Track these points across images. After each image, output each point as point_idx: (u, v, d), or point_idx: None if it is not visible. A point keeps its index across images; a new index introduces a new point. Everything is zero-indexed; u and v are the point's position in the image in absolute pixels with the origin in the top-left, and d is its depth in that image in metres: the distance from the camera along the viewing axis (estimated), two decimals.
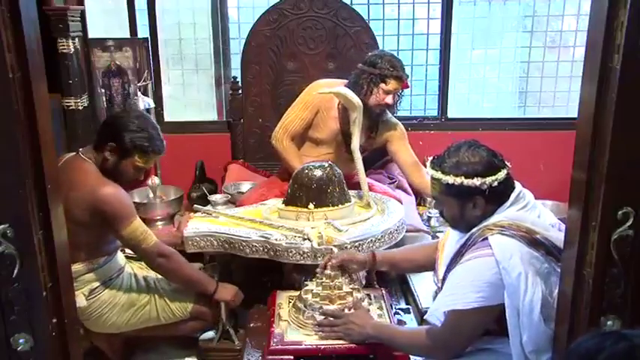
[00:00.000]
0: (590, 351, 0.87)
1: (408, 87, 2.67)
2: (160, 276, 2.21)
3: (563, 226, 1.65)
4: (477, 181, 1.58)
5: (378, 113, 2.67)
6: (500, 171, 1.61)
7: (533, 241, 1.55)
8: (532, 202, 1.67)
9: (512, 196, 1.63)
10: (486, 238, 1.58)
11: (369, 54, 2.71)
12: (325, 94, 2.60)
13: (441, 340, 1.64)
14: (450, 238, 1.81)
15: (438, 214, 1.88)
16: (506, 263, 1.51)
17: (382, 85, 2.58)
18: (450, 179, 1.60)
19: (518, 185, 1.68)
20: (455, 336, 1.62)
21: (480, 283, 1.53)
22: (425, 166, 2.50)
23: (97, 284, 2.08)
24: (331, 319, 1.89)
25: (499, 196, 1.62)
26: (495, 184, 1.59)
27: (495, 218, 1.61)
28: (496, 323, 1.59)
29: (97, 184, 1.99)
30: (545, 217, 1.67)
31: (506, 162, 1.65)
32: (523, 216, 1.61)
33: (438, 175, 1.63)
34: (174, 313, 2.21)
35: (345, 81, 2.72)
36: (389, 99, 2.60)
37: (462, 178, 1.58)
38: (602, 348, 0.86)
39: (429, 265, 1.96)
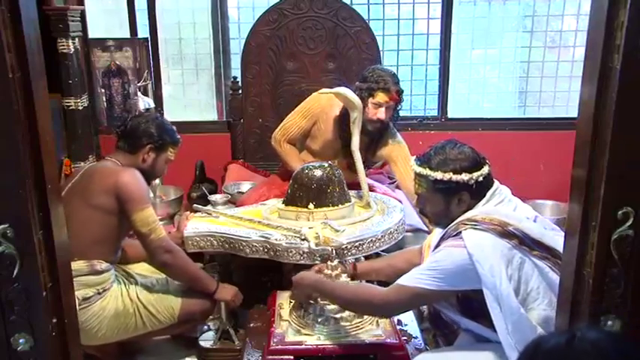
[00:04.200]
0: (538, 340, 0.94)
1: (397, 100, 2.55)
2: (140, 287, 2.18)
3: (539, 218, 1.72)
4: (464, 177, 1.65)
5: (374, 130, 2.59)
6: (483, 167, 1.69)
7: (505, 232, 1.60)
8: (508, 197, 1.74)
9: (489, 192, 1.70)
10: (459, 232, 1.63)
11: (365, 70, 2.66)
12: (323, 94, 2.60)
13: (386, 300, 1.70)
14: (435, 237, 1.85)
15: (419, 211, 1.93)
16: (479, 256, 1.56)
17: (371, 99, 2.51)
18: (438, 175, 1.67)
19: (495, 182, 1.74)
20: (402, 305, 1.71)
21: (447, 268, 1.59)
22: None
23: (91, 293, 2.04)
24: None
25: (483, 191, 1.69)
26: (481, 179, 1.67)
27: (470, 213, 1.67)
28: (486, 319, 1.61)
29: (119, 170, 2.11)
30: (521, 210, 1.73)
31: (486, 159, 1.72)
32: (497, 210, 1.67)
33: (426, 171, 1.69)
34: (160, 321, 2.17)
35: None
36: (380, 113, 2.52)
37: (451, 174, 1.66)
38: (549, 338, 0.92)
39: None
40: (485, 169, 1.68)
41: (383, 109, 2.53)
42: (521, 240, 1.60)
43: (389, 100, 2.53)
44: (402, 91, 2.58)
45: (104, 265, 2.08)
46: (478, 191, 1.68)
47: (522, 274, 1.58)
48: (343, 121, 2.56)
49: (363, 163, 2.54)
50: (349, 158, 2.56)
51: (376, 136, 2.65)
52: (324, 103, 2.66)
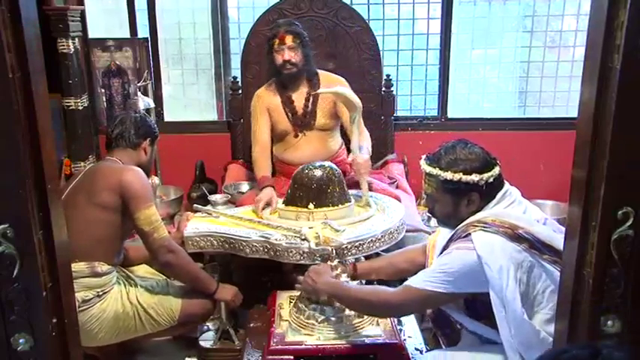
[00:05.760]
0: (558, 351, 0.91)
1: (283, 38, 2.69)
2: (141, 290, 2.17)
3: (549, 221, 1.70)
4: (475, 177, 1.63)
5: (291, 72, 2.74)
6: (494, 167, 1.66)
7: (515, 235, 1.58)
8: (518, 199, 1.71)
9: (499, 194, 1.68)
10: (469, 234, 1.61)
11: None
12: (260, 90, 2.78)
13: (400, 300, 1.68)
14: (441, 237, 1.84)
15: (427, 211, 1.91)
16: (488, 258, 1.54)
17: (273, 49, 2.73)
18: (448, 175, 1.64)
19: (506, 183, 1.72)
20: (412, 306, 1.73)
21: (456, 271, 1.58)
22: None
23: (91, 295, 2.03)
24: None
25: (493, 192, 1.67)
26: (491, 180, 1.64)
27: (480, 215, 1.65)
28: (490, 319, 1.61)
29: (123, 168, 2.12)
30: (530, 212, 1.71)
31: (497, 160, 1.70)
32: (508, 212, 1.65)
33: (436, 171, 1.67)
34: (160, 324, 2.16)
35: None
36: (286, 55, 2.70)
37: (461, 174, 1.63)
38: (568, 350, 0.90)
39: (413, 269, 1.99)
40: (496, 170, 1.66)
41: (285, 52, 2.69)
42: (532, 244, 1.58)
43: (281, 43, 2.70)
44: (298, 33, 2.73)
45: (105, 267, 2.07)
46: (488, 192, 1.66)
47: (531, 278, 1.57)
48: (284, 90, 2.80)
49: (331, 116, 2.77)
50: (303, 126, 2.80)
51: (304, 77, 2.80)
52: (262, 92, 2.86)
